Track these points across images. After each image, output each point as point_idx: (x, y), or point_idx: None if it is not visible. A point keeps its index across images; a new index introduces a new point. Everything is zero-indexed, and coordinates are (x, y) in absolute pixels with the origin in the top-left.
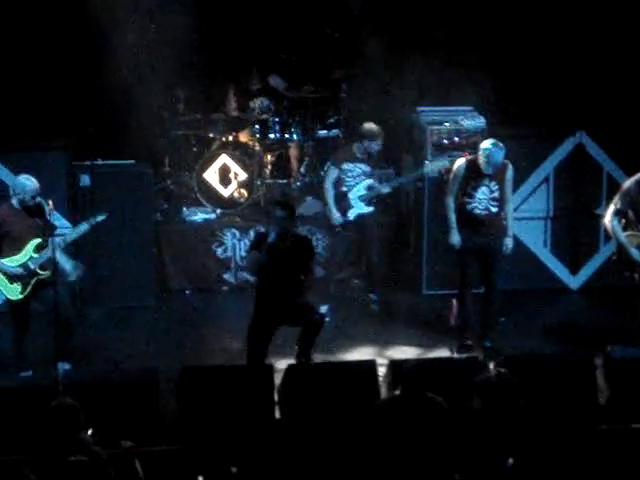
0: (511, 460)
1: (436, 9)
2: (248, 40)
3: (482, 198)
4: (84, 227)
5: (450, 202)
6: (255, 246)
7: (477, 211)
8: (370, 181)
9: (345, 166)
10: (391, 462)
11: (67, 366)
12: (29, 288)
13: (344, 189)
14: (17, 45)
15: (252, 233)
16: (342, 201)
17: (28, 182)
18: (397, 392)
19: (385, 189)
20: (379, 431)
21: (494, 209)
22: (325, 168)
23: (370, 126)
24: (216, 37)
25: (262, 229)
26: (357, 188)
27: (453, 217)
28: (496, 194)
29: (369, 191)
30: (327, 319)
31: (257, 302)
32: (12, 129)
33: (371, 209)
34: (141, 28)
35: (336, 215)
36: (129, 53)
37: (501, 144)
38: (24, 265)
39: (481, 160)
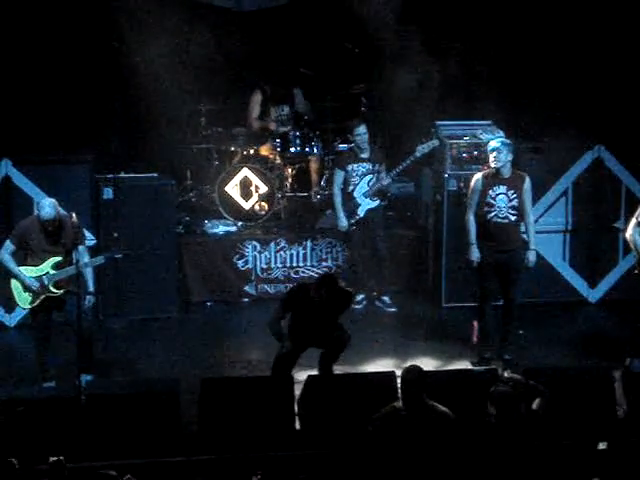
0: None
1: (455, 24)
2: (270, 55)
3: (501, 206)
4: (100, 260)
5: (470, 217)
6: (287, 305)
7: (497, 219)
8: (371, 176)
9: (350, 167)
10: (396, 472)
11: (89, 377)
12: (37, 302)
13: (350, 188)
14: (42, 59)
15: (273, 246)
16: (349, 201)
17: (43, 211)
18: (397, 403)
19: (385, 181)
20: (381, 441)
21: (513, 217)
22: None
23: (348, 123)
24: (238, 52)
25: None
26: (360, 185)
27: (473, 232)
28: (514, 202)
29: (371, 186)
30: (360, 307)
31: (290, 335)
32: (36, 143)
33: (377, 203)
34: (164, 43)
35: (343, 221)
36: (152, 68)
37: (507, 140)
38: (39, 279)
39: (491, 159)
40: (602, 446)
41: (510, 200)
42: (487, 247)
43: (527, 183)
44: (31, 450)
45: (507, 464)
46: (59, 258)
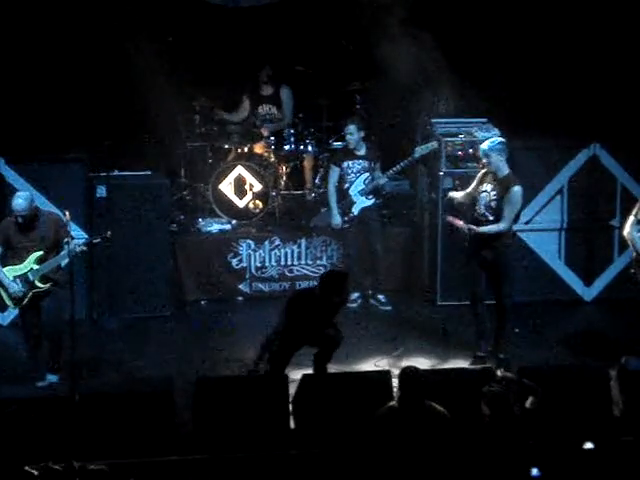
0: (535, 471)
1: (451, 21)
2: (264, 53)
3: (481, 203)
4: (81, 247)
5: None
6: (290, 316)
7: (477, 216)
8: (367, 174)
9: (345, 164)
10: (393, 472)
11: (54, 378)
12: (26, 300)
13: (346, 186)
14: (35, 58)
15: (267, 244)
16: (345, 199)
17: (14, 202)
18: (393, 402)
19: (382, 180)
20: (378, 441)
21: (491, 217)
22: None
23: (340, 122)
24: (232, 50)
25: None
26: (356, 183)
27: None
28: (493, 204)
29: (367, 184)
30: (355, 305)
31: (286, 334)
32: (30, 141)
33: (373, 201)
34: (159, 40)
35: (337, 219)
36: (146, 65)
37: (496, 142)
38: (24, 276)
39: (484, 163)
40: (588, 446)
41: (490, 200)
42: (475, 245)
43: (511, 192)
44: (23, 449)
45: (501, 463)
46: (40, 252)
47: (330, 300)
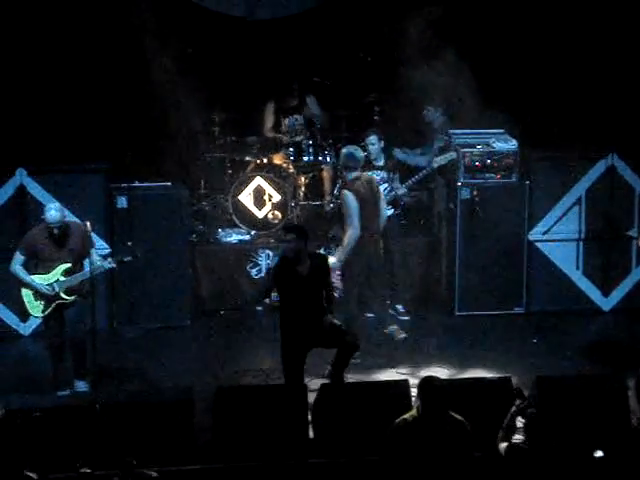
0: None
1: (467, 32)
2: (283, 64)
3: None
4: (111, 263)
5: None
6: (275, 277)
7: None
8: (386, 185)
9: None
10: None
11: (84, 386)
12: (49, 309)
13: None
14: (57, 70)
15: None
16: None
17: (48, 214)
18: (412, 412)
19: (401, 190)
20: (397, 451)
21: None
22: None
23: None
24: (251, 61)
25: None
26: None
27: None
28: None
29: (386, 195)
30: (373, 315)
31: (283, 327)
32: (51, 151)
33: (391, 212)
34: (179, 52)
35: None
36: (166, 77)
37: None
38: (50, 286)
39: None
40: (598, 454)
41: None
42: None
43: (342, 198)
44: (45, 458)
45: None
46: (68, 265)
47: (296, 250)
